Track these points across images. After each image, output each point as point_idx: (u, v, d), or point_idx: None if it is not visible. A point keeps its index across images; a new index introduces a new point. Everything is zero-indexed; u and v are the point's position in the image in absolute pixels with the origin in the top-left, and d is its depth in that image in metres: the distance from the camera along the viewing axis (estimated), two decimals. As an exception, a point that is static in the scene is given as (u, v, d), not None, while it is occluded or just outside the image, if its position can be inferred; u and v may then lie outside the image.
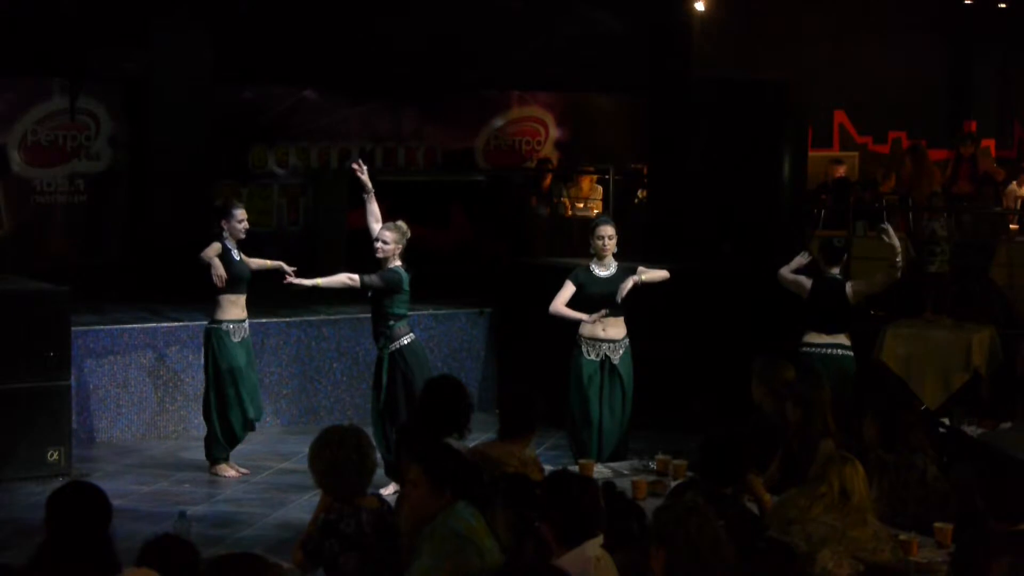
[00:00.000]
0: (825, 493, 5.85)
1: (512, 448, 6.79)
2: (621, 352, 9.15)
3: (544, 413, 7.07)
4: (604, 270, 9.15)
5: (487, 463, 6.38)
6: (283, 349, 11.52)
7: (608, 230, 9.17)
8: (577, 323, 9.13)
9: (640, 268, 9.11)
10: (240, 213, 9.98)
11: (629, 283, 8.99)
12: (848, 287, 9.46)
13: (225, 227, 9.90)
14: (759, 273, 10.30)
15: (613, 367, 9.11)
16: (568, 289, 9.14)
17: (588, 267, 9.20)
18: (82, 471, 9.81)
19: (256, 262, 10.11)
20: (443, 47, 15.47)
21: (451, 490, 5.43)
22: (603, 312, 8.99)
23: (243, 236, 9.96)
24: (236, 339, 9.87)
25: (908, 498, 6.58)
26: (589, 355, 9.11)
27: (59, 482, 9.17)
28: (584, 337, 9.14)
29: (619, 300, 8.98)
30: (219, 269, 9.71)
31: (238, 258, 9.90)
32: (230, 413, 9.90)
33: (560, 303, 9.14)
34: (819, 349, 9.36)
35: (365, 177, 9.47)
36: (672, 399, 10.95)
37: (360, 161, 9.61)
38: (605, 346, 9.11)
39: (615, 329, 9.14)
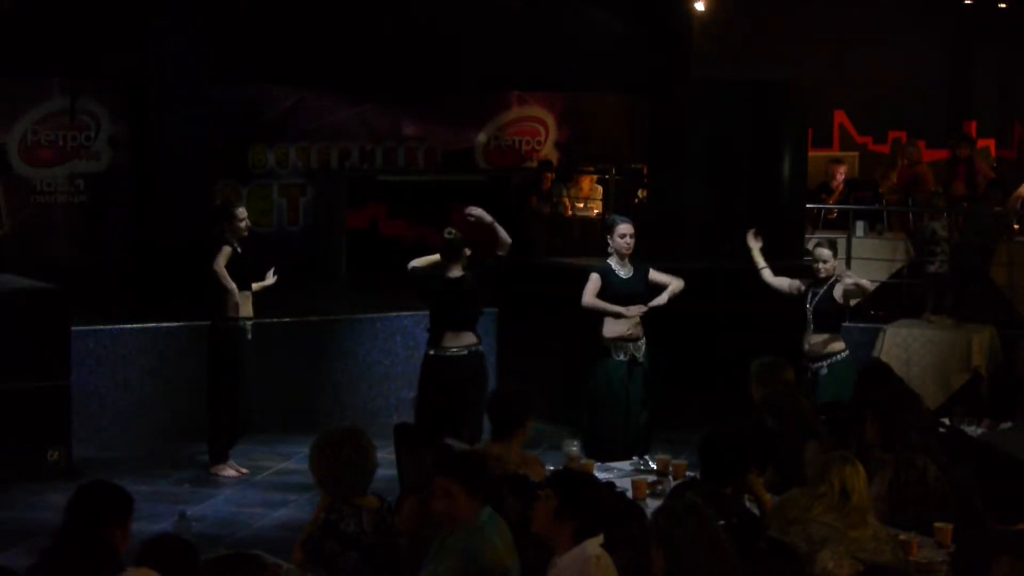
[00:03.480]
0: (825, 493, 5.84)
1: (511, 446, 6.79)
2: (643, 349, 9.24)
3: (538, 409, 7.06)
4: (623, 270, 9.21)
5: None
6: (283, 349, 11.50)
7: (630, 228, 9.26)
8: (599, 326, 9.16)
9: (656, 274, 9.25)
10: (241, 212, 10.00)
11: (665, 298, 9.19)
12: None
13: (227, 228, 9.90)
14: (758, 273, 10.27)
15: (639, 364, 9.19)
16: (594, 282, 9.19)
17: (609, 266, 9.24)
18: (82, 471, 9.80)
19: (257, 286, 10.13)
20: (443, 47, 15.47)
21: (484, 495, 5.42)
22: (642, 308, 9.06)
23: (245, 235, 9.96)
24: (249, 337, 9.90)
25: (908, 498, 6.57)
26: (618, 356, 9.16)
27: (59, 482, 9.26)
28: (611, 339, 9.17)
29: (651, 304, 9.18)
30: (235, 297, 9.74)
31: (240, 256, 9.91)
32: (238, 411, 9.91)
33: (592, 296, 9.16)
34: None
35: (486, 218, 9.29)
36: (672, 399, 10.94)
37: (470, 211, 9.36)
38: (631, 345, 9.17)
39: (638, 329, 9.23)
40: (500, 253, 9.19)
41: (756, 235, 9.76)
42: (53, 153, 13.95)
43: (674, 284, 9.25)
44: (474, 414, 8.76)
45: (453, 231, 9.17)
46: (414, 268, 9.15)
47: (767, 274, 9.70)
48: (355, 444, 5.56)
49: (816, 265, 9.41)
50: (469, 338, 9.14)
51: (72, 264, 12.99)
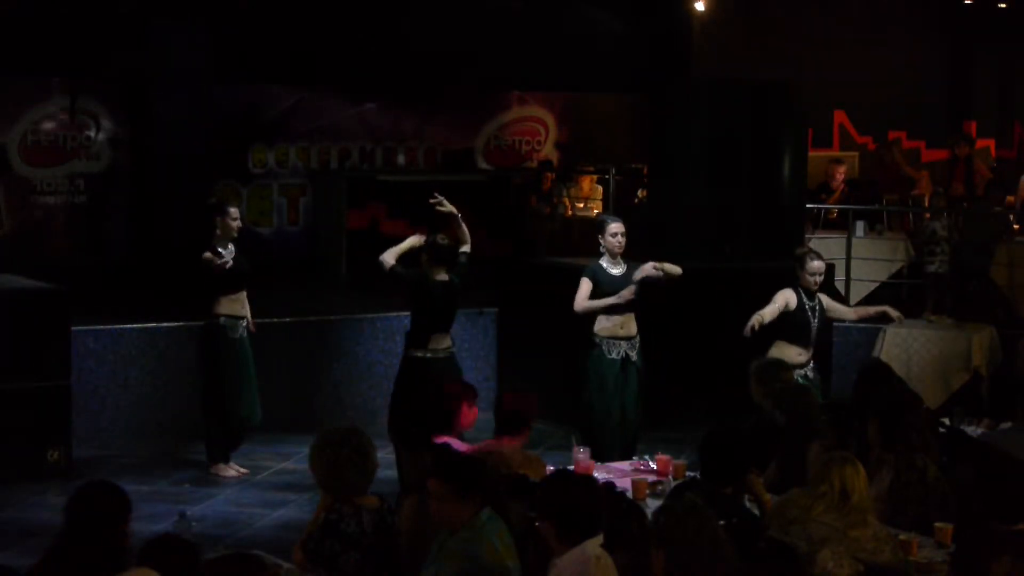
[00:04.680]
0: (825, 493, 5.85)
1: (513, 445, 6.80)
2: (637, 348, 9.21)
3: (540, 410, 7.06)
4: (616, 268, 9.19)
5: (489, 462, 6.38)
6: (283, 349, 11.50)
7: (621, 227, 9.24)
8: (591, 324, 9.14)
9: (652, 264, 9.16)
10: (234, 211, 10.00)
11: (649, 266, 9.03)
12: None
13: (219, 224, 9.90)
14: (759, 273, 10.30)
15: (632, 363, 9.16)
16: (586, 285, 9.16)
17: (600, 265, 9.23)
18: (82, 471, 9.79)
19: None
20: (443, 47, 15.47)
21: (479, 497, 5.42)
22: (632, 288, 9.01)
23: (235, 235, 9.95)
24: (235, 335, 9.87)
25: (908, 498, 6.58)
26: (611, 354, 9.14)
27: (59, 482, 9.26)
28: (604, 337, 9.15)
29: (636, 279, 9.03)
30: (222, 258, 9.72)
31: (233, 256, 9.89)
32: (230, 411, 9.90)
33: (584, 300, 9.14)
34: None
35: (448, 207, 9.36)
36: (672, 399, 10.95)
37: (436, 195, 9.45)
38: (624, 344, 9.15)
39: (631, 326, 9.19)
40: (464, 249, 9.21)
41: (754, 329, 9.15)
42: (53, 153, 13.95)
43: (667, 265, 9.20)
44: None
45: (446, 237, 9.21)
46: (394, 268, 9.14)
47: (766, 314, 9.24)
48: (355, 444, 5.56)
49: (814, 278, 9.03)
50: (448, 340, 9.22)
51: (72, 264, 12.98)
